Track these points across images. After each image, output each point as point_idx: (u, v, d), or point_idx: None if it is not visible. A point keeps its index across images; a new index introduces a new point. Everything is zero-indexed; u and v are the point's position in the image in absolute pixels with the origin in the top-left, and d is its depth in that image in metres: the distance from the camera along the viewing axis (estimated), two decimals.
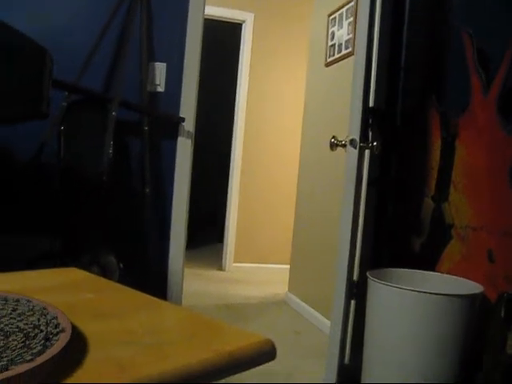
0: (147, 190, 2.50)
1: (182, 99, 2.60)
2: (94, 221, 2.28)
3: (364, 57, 2.11)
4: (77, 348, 0.60)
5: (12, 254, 2.20)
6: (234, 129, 4.76)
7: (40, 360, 0.53)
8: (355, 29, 2.82)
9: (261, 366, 0.67)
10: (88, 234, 2.27)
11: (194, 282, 4.17)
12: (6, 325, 0.62)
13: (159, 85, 2.59)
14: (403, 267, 2.08)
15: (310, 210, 3.58)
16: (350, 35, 3.04)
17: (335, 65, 3.29)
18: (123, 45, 2.48)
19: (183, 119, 2.57)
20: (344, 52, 3.14)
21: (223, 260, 4.84)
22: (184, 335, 0.69)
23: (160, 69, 2.58)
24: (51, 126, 2.35)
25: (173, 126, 2.59)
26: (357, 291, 2.15)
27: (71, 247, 2.28)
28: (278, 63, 4.77)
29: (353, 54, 2.88)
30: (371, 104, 2.14)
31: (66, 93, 2.39)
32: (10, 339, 0.57)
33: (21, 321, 0.63)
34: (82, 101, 2.42)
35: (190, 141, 2.60)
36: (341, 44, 3.19)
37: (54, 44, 2.35)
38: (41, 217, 2.40)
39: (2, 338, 0.58)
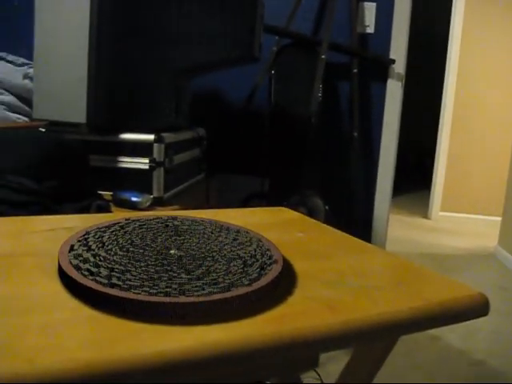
0: (355, 134, 2.49)
1: (392, 40, 2.50)
2: (301, 163, 2.35)
3: None
4: (287, 281, 0.63)
5: (230, 192, 2.39)
6: (446, 70, 4.46)
7: (256, 286, 0.57)
8: None
9: (466, 322, 0.64)
10: (296, 175, 2.35)
11: (398, 229, 4.10)
12: (228, 252, 0.68)
13: (369, 26, 2.52)
14: None
15: None
16: None
17: None
18: None
19: (393, 61, 2.48)
20: None
21: (429, 208, 4.67)
22: (392, 281, 0.67)
23: (370, 9, 2.50)
24: (262, 71, 2.44)
25: (382, 68, 2.52)
26: None
27: (280, 187, 2.39)
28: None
29: None
30: None
31: (277, 37, 2.45)
32: (231, 265, 0.63)
33: (240, 249, 0.69)
34: (292, 45, 2.46)
35: (400, 83, 2.51)
36: None
37: None
38: (253, 158, 2.55)
39: (225, 263, 0.63)
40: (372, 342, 0.67)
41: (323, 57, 2.29)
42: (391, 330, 0.57)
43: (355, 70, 2.49)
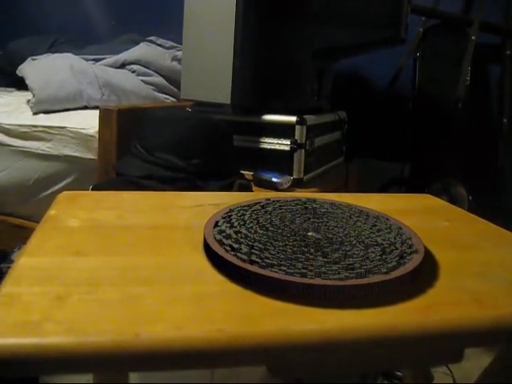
0: (505, 120, 2.32)
1: None
2: (445, 149, 2.25)
3: None
4: (429, 272, 0.61)
5: (369, 177, 2.35)
6: None
7: (394, 275, 0.55)
8: None
9: None
10: (439, 162, 2.26)
11: None
12: (366, 237, 0.67)
13: None
14: None
15: None
16: None
17: None
18: None
19: None
20: None
21: None
22: None
23: None
24: (407, 53, 2.35)
25: None
26: None
27: (421, 174, 2.30)
28: None
29: None
30: None
31: (423, 18, 2.35)
32: (369, 251, 0.62)
33: (379, 236, 0.68)
34: (439, 25, 2.35)
35: None
36: None
37: None
38: (394, 143, 2.48)
39: (363, 248, 0.63)
40: None
41: (473, 38, 2.15)
42: None
43: (508, 52, 2.32)
